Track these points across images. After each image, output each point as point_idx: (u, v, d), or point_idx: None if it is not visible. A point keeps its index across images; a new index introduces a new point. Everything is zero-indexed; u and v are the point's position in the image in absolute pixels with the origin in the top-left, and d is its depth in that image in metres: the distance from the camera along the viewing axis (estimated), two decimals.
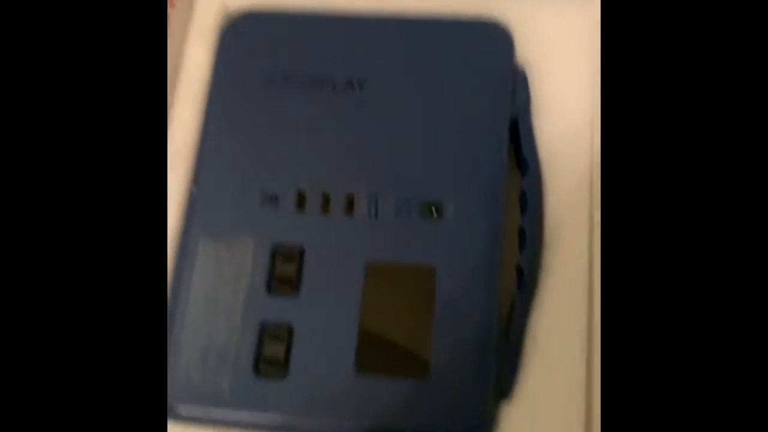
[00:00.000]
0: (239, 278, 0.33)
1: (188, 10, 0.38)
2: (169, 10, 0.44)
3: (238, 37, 0.37)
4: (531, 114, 0.35)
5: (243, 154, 0.35)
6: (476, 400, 0.30)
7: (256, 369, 0.31)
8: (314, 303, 0.32)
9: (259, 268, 0.33)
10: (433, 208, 0.33)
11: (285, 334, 0.32)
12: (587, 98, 0.35)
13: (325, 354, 0.31)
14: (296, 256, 0.33)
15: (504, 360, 0.31)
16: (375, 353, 0.31)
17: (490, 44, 0.36)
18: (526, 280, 0.33)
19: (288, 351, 0.31)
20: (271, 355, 0.32)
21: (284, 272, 0.33)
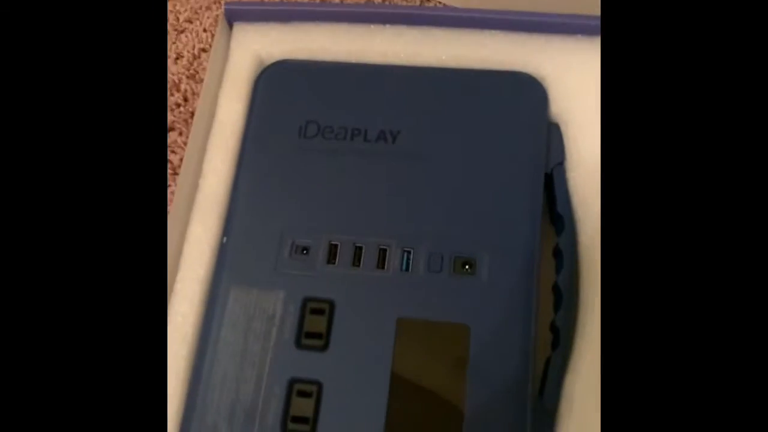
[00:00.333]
0: (268, 332, 0.32)
1: (223, 60, 0.39)
2: (204, 61, 0.45)
3: (272, 85, 0.37)
4: (565, 169, 0.35)
5: (274, 205, 0.34)
6: None
7: (284, 427, 0.31)
8: (344, 359, 0.31)
9: (288, 321, 0.32)
10: (467, 264, 0.32)
11: (314, 392, 0.31)
12: None
13: (354, 413, 0.30)
14: (326, 310, 0.32)
15: (539, 425, 0.30)
16: (406, 413, 0.30)
17: (524, 97, 0.36)
18: (561, 340, 0.32)
19: (316, 409, 0.31)
20: (300, 413, 0.31)
21: (314, 326, 0.32)
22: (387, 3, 0.48)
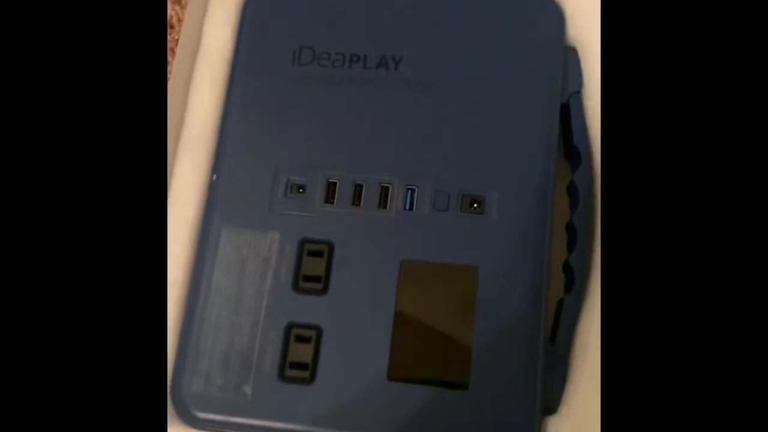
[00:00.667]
0: (263, 275, 0.30)
1: None
2: None
3: (262, 7, 0.34)
4: (583, 98, 0.32)
5: (267, 140, 0.32)
6: (520, 413, 0.28)
7: (281, 374, 0.29)
8: (344, 303, 0.30)
9: (284, 264, 0.30)
10: (475, 202, 0.30)
11: (313, 337, 0.29)
12: None
13: (355, 359, 0.29)
14: (325, 252, 0.30)
15: (551, 370, 0.29)
16: (409, 359, 0.29)
17: (538, 19, 0.33)
18: (575, 282, 0.30)
19: (316, 355, 0.29)
20: (298, 359, 0.29)
21: (312, 269, 0.30)
22: None
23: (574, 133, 0.32)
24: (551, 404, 0.29)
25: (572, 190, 0.31)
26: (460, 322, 0.29)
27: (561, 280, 0.30)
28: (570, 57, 0.32)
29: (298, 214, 0.31)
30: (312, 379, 0.29)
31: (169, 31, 0.42)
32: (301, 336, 0.30)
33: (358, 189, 0.31)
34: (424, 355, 0.29)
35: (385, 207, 0.31)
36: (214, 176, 0.32)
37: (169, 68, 0.41)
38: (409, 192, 0.31)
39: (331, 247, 0.30)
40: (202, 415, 0.29)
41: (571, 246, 0.30)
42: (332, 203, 0.31)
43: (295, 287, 0.30)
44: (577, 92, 0.32)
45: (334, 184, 0.31)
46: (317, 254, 0.30)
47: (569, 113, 0.32)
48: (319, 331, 0.29)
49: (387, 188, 0.31)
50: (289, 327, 0.30)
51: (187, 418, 0.29)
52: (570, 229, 0.31)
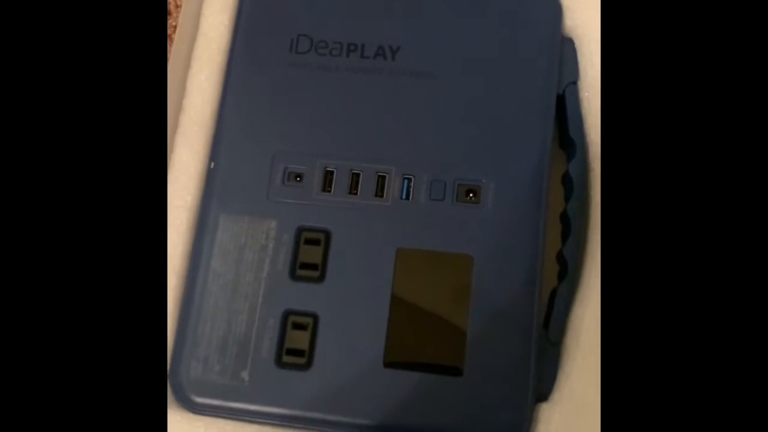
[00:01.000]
0: (261, 262, 0.30)
1: None
2: None
3: None
4: (579, 88, 0.32)
5: (265, 128, 0.32)
6: (513, 400, 0.28)
7: (278, 360, 0.29)
8: (341, 290, 0.30)
9: (282, 252, 0.30)
10: (471, 192, 0.30)
11: (309, 324, 0.30)
12: None
13: (351, 345, 0.29)
14: (322, 240, 0.30)
15: (544, 357, 0.29)
16: (405, 346, 0.29)
17: (535, 10, 0.33)
18: (569, 271, 0.30)
19: (312, 341, 0.30)
20: (294, 345, 0.30)
21: (309, 257, 0.30)
22: None
23: (569, 124, 0.32)
24: (544, 391, 0.29)
25: (567, 181, 0.31)
26: (455, 310, 0.29)
27: (555, 269, 0.31)
28: (567, 47, 0.33)
29: (295, 202, 0.31)
30: (309, 365, 0.29)
31: (167, 17, 0.42)
32: (298, 323, 0.30)
33: (355, 178, 0.31)
34: (419, 342, 0.30)
35: (381, 196, 0.31)
36: (212, 164, 0.32)
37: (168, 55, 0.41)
38: (406, 181, 0.31)
39: (328, 235, 0.31)
40: (199, 400, 0.29)
41: (565, 236, 0.31)
42: (329, 192, 0.31)
43: (292, 275, 0.30)
44: (574, 83, 0.32)
45: (332, 172, 0.31)
46: (314, 242, 0.30)
47: (565, 103, 0.32)
48: (315, 319, 0.30)
49: (384, 177, 0.31)
50: (287, 314, 0.30)
51: (184, 402, 0.30)
52: (564, 219, 0.31)
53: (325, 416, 0.29)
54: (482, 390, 0.29)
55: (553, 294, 0.30)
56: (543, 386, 0.29)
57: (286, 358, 0.30)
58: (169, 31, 0.42)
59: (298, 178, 0.31)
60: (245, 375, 0.29)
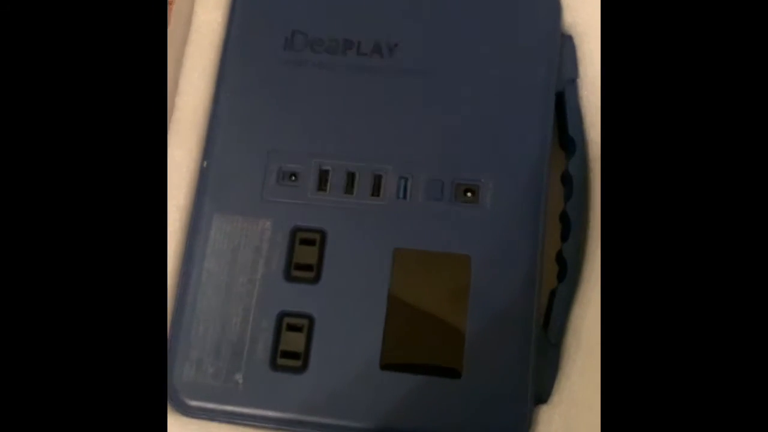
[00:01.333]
0: (255, 263, 0.30)
1: None
2: None
3: None
4: (578, 86, 0.32)
5: (259, 127, 0.31)
6: (512, 402, 0.28)
7: (273, 363, 0.29)
8: (337, 292, 0.29)
9: (276, 252, 0.30)
10: (469, 191, 0.30)
11: (305, 326, 0.29)
12: None
13: (347, 347, 0.29)
14: (317, 240, 0.30)
15: (543, 359, 0.29)
16: (402, 348, 0.29)
17: (534, 7, 0.32)
18: (568, 272, 0.30)
19: (308, 344, 0.29)
20: (289, 347, 0.29)
21: (304, 257, 0.30)
22: None
23: (569, 122, 0.31)
24: (543, 393, 0.29)
25: (566, 179, 0.31)
26: (453, 311, 0.29)
27: (554, 269, 0.30)
28: (566, 45, 0.32)
29: (290, 201, 0.30)
30: (304, 368, 0.29)
31: None
32: (293, 325, 0.29)
33: (351, 177, 0.31)
34: (416, 343, 0.29)
35: (378, 195, 0.30)
36: (205, 163, 0.31)
37: None
38: (403, 180, 0.30)
39: (323, 236, 0.30)
40: (193, 403, 0.29)
41: (564, 235, 0.30)
42: (325, 191, 0.31)
43: (287, 276, 0.30)
44: (573, 81, 0.32)
45: (327, 172, 0.31)
46: (309, 242, 0.30)
47: (565, 102, 0.31)
48: (311, 320, 0.29)
49: (380, 176, 0.30)
50: (281, 316, 0.29)
51: (178, 405, 0.29)
52: (564, 218, 0.31)
53: (320, 420, 0.29)
54: (481, 392, 0.28)
55: (553, 294, 0.30)
56: (542, 388, 0.29)
57: (281, 361, 0.29)
58: None
59: (293, 178, 0.31)
60: (239, 378, 0.29)
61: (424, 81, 0.31)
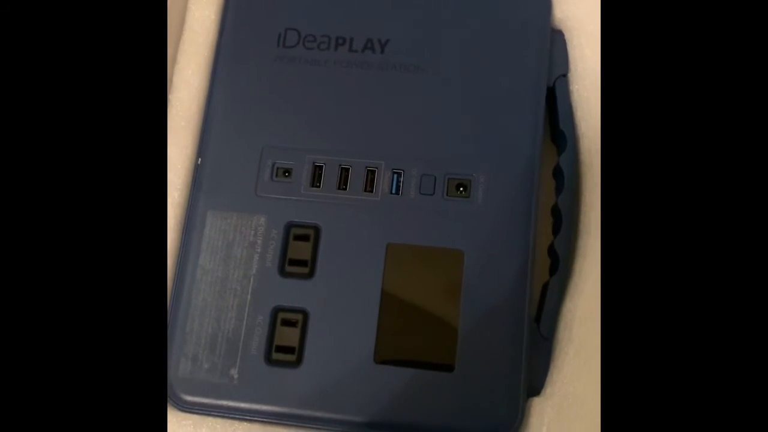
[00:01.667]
0: (249, 259, 0.30)
1: None
2: None
3: None
4: (569, 81, 0.32)
5: (253, 123, 0.32)
6: (505, 395, 0.28)
7: (268, 357, 0.29)
8: (330, 287, 0.30)
9: (271, 248, 0.30)
10: (461, 186, 0.30)
11: (299, 320, 0.29)
12: None
13: (341, 342, 0.29)
14: (311, 236, 0.30)
15: (535, 352, 0.29)
16: (396, 342, 0.29)
17: (525, 3, 0.32)
18: (560, 265, 0.30)
19: (302, 338, 0.29)
20: (284, 342, 0.29)
21: (298, 253, 0.30)
22: None
23: (560, 117, 0.31)
24: (536, 385, 0.29)
25: (558, 174, 0.31)
26: (446, 305, 0.29)
27: (546, 263, 0.31)
28: (556, 40, 0.32)
29: (284, 197, 0.31)
30: (299, 362, 0.29)
31: None
32: (287, 320, 0.30)
33: (344, 173, 0.31)
34: (410, 337, 0.29)
35: (371, 191, 0.30)
36: (199, 160, 0.32)
37: None
38: (395, 176, 0.31)
39: (317, 231, 0.30)
40: (189, 398, 0.29)
41: (556, 229, 0.31)
42: (318, 187, 0.31)
43: (282, 271, 0.30)
44: (564, 75, 0.32)
45: (321, 167, 0.31)
46: (303, 238, 0.30)
47: (555, 96, 0.32)
48: (305, 315, 0.30)
49: (373, 172, 0.31)
50: (276, 311, 0.30)
51: (173, 400, 0.29)
52: (555, 212, 0.31)
53: (315, 413, 0.29)
54: (474, 385, 0.28)
55: (545, 288, 0.30)
56: (535, 380, 0.29)
57: (276, 356, 0.29)
58: None
59: (287, 174, 0.31)
60: (234, 373, 0.29)
61: (416, 77, 0.31)
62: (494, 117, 0.31)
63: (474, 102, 0.31)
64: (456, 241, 0.30)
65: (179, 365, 0.29)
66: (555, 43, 0.32)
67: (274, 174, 0.31)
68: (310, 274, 0.30)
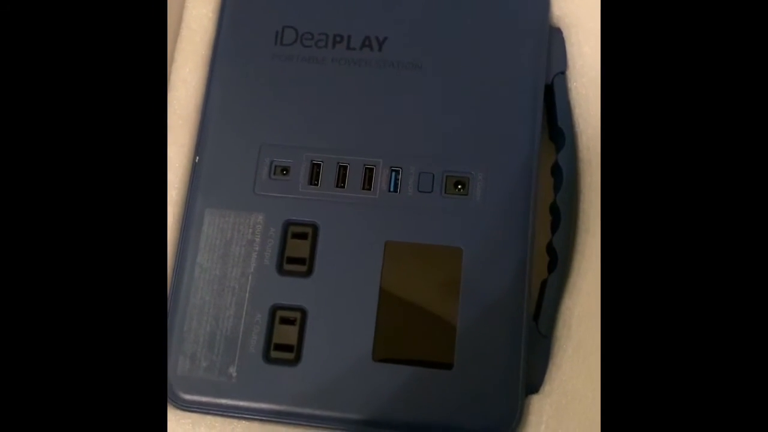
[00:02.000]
0: (248, 257, 0.30)
1: None
2: None
3: None
4: (567, 78, 0.32)
5: (250, 121, 0.32)
6: (504, 392, 0.28)
7: (266, 355, 0.29)
8: (329, 285, 0.30)
9: (269, 246, 0.30)
10: (459, 184, 0.30)
11: (297, 318, 0.29)
12: None
13: (339, 340, 0.29)
14: (309, 234, 0.30)
15: (534, 349, 0.29)
16: (394, 340, 0.29)
17: (523, 0, 0.32)
18: (558, 263, 0.30)
19: (300, 336, 0.29)
20: (282, 340, 0.29)
21: (296, 251, 0.30)
22: None
23: (558, 114, 0.31)
24: (535, 383, 0.29)
25: (556, 171, 0.31)
26: (445, 302, 0.29)
27: (545, 260, 0.31)
28: (555, 37, 0.32)
29: (282, 195, 0.31)
30: (297, 360, 0.29)
31: None
32: (285, 318, 0.30)
33: (342, 170, 0.31)
34: (408, 335, 0.29)
35: (369, 188, 0.30)
36: (197, 158, 0.32)
37: None
38: (394, 173, 0.31)
39: (315, 229, 0.30)
40: (187, 396, 0.29)
41: (554, 227, 0.31)
42: (316, 185, 0.31)
43: (280, 269, 0.30)
44: (562, 73, 0.32)
45: (318, 165, 0.31)
46: (302, 236, 0.30)
47: (554, 94, 0.32)
48: (303, 313, 0.30)
49: (371, 170, 0.31)
50: (274, 309, 0.30)
51: (172, 399, 0.29)
52: (554, 209, 0.31)
53: (314, 411, 0.29)
54: (473, 383, 0.28)
55: (543, 285, 0.30)
56: (534, 378, 0.29)
57: (274, 354, 0.29)
58: None
59: (285, 172, 0.31)
60: (233, 371, 0.29)
61: (414, 74, 0.31)
62: (492, 114, 0.31)
63: (472, 99, 0.31)
64: (454, 238, 0.30)
65: (178, 364, 0.29)
66: (553, 41, 0.32)
67: (272, 172, 0.31)
68: (309, 272, 0.30)
